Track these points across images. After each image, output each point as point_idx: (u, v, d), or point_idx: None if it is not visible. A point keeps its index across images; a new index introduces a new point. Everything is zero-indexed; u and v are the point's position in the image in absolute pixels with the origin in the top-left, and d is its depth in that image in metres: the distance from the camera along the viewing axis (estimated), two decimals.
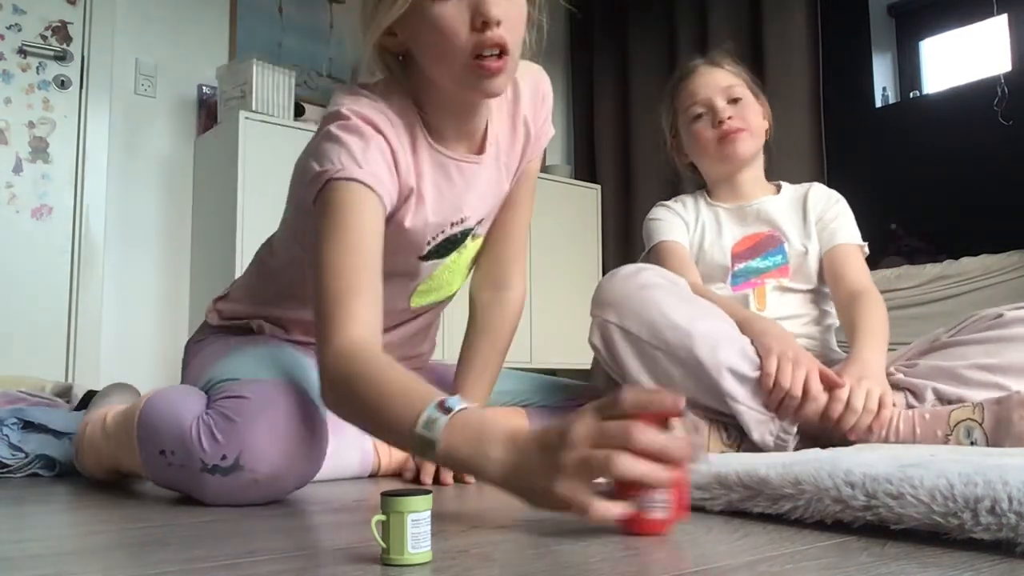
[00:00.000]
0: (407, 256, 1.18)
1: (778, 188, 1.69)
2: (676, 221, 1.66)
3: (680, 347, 1.28)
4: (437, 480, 1.18)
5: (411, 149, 1.12)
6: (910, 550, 0.66)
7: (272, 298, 1.29)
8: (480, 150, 1.20)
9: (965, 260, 2.58)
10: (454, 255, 1.24)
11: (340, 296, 0.97)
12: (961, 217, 2.89)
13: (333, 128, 1.05)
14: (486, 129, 1.20)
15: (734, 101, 1.60)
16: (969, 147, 2.91)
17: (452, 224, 1.19)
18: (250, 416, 0.96)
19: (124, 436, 1.09)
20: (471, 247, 1.28)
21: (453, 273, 1.30)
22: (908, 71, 3.39)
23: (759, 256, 1.59)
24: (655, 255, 1.64)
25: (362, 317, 0.97)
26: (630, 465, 0.69)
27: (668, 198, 1.77)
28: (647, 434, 0.70)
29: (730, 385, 1.27)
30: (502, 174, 1.25)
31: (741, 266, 1.59)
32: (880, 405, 1.25)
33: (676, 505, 0.72)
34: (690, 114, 1.63)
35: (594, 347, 1.38)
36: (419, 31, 1.04)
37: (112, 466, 1.18)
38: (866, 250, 1.61)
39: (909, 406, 1.30)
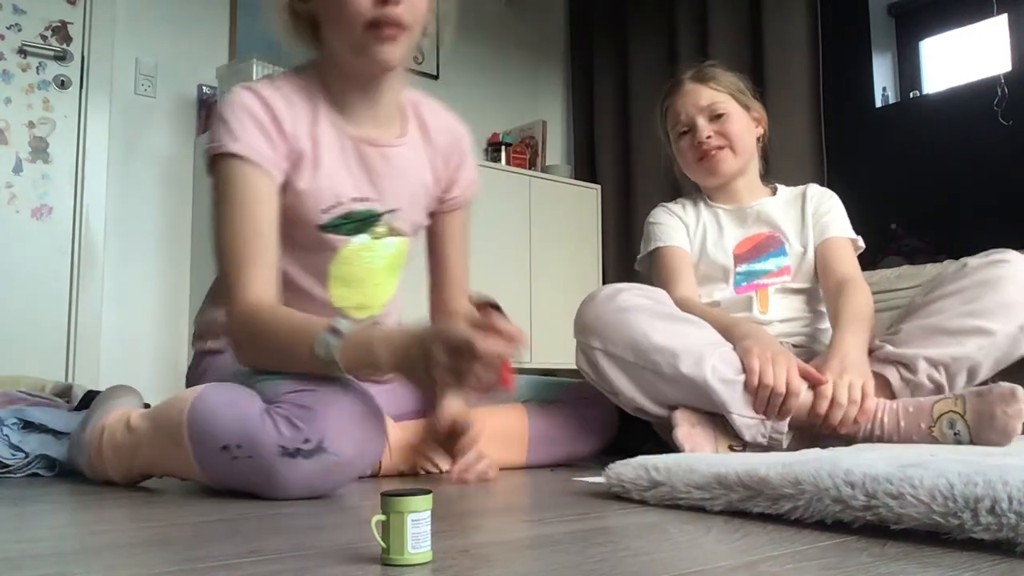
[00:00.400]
0: (306, 224, 1.22)
1: (774, 191, 1.71)
2: (677, 224, 1.67)
3: (666, 365, 1.30)
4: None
5: (309, 119, 1.21)
6: (910, 550, 0.66)
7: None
8: (396, 137, 1.29)
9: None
10: (365, 237, 1.27)
11: (234, 267, 1.12)
12: (961, 217, 2.88)
13: (219, 106, 1.18)
14: (403, 124, 1.31)
15: (717, 117, 1.63)
16: (969, 147, 2.91)
17: (353, 200, 1.24)
18: (326, 404, 1.02)
19: (167, 440, 1.07)
20: (390, 243, 1.30)
21: (370, 270, 1.30)
22: (908, 71, 3.39)
23: (761, 257, 1.61)
24: (656, 260, 1.65)
25: (258, 281, 1.12)
26: (480, 375, 0.94)
27: (669, 197, 1.79)
28: (492, 360, 0.94)
29: (720, 393, 1.28)
30: (417, 181, 1.32)
31: (743, 267, 1.61)
32: (863, 395, 1.27)
33: (505, 374, 0.97)
34: (676, 131, 1.68)
35: (581, 370, 1.39)
36: (326, 1, 1.17)
37: (144, 471, 1.16)
38: (860, 244, 1.63)
39: (903, 379, 1.32)
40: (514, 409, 1.43)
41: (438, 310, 1.45)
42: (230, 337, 1.16)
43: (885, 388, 1.35)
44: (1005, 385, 1.23)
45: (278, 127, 1.17)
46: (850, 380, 1.28)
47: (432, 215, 1.40)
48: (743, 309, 1.57)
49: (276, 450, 0.98)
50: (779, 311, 1.57)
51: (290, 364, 1.08)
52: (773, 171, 1.78)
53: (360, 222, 1.25)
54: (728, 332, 1.38)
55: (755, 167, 1.71)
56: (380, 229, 1.28)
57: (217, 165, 1.15)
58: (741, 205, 1.66)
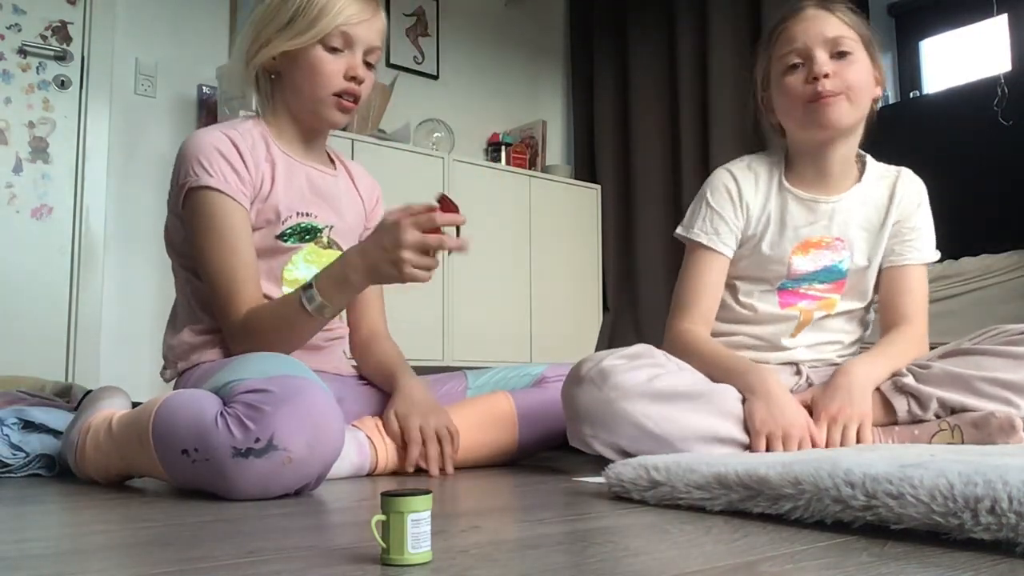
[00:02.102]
0: (264, 234, 1.38)
1: (862, 167, 1.49)
2: (734, 215, 1.47)
3: (662, 452, 1.19)
4: (420, 470, 1.30)
5: (264, 149, 1.39)
6: (910, 550, 0.66)
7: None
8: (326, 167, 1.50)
9: (965, 260, 2.58)
10: (310, 246, 1.44)
11: (225, 289, 1.30)
12: (961, 217, 2.88)
13: (185, 146, 1.34)
14: (333, 165, 1.51)
15: (840, 55, 1.37)
16: (969, 147, 2.91)
17: (298, 214, 1.41)
18: (277, 404, 1.02)
19: (137, 442, 1.10)
20: (333, 254, 1.44)
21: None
22: (908, 71, 3.39)
23: (819, 267, 1.46)
24: (690, 258, 1.49)
25: (247, 298, 1.30)
26: (438, 246, 1.20)
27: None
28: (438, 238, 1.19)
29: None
30: (351, 207, 1.50)
31: (795, 274, 1.46)
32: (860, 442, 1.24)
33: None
34: (784, 63, 1.40)
35: (575, 445, 1.30)
36: (300, 64, 1.36)
37: (122, 472, 1.18)
38: (937, 254, 1.50)
39: (910, 411, 1.29)
40: (499, 394, 1.47)
41: (359, 327, 1.55)
42: (235, 345, 1.31)
43: (891, 414, 1.30)
44: (1003, 416, 1.20)
45: (242, 160, 1.33)
46: (845, 426, 1.23)
47: None
48: (775, 327, 1.46)
49: (228, 451, 1.00)
50: (809, 338, 1.45)
51: (296, 335, 1.30)
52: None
53: (305, 232, 1.42)
54: (734, 380, 1.29)
55: (859, 136, 1.46)
56: (324, 240, 1.45)
57: (194, 198, 1.31)
58: (819, 197, 1.45)
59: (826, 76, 1.35)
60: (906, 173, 1.51)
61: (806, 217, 1.46)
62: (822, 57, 1.36)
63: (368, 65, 1.41)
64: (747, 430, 1.25)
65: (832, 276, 1.46)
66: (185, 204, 1.33)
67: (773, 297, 1.47)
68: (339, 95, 1.37)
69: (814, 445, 1.23)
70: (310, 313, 1.24)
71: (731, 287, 1.50)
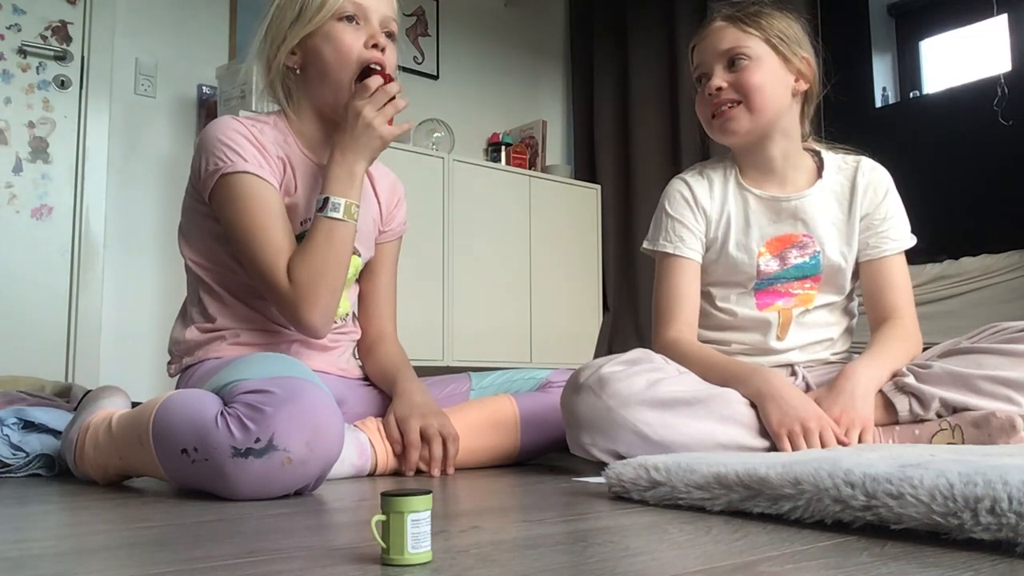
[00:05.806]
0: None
1: (819, 163, 1.50)
2: (694, 221, 1.49)
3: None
4: (420, 471, 1.31)
5: (284, 147, 1.38)
6: (910, 550, 0.66)
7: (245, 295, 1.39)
8: None
9: (965, 260, 2.58)
10: None
11: (270, 260, 1.28)
12: (961, 217, 2.88)
13: (208, 133, 1.32)
14: None
15: (735, 64, 1.42)
16: (969, 147, 2.91)
17: (310, 219, 1.37)
18: (278, 405, 1.02)
19: (136, 442, 1.10)
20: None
21: None
22: (908, 71, 3.39)
23: (789, 264, 1.46)
24: (661, 269, 1.50)
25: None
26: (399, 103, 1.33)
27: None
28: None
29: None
30: (367, 212, 1.45)
31: (767, 273, 1.46)
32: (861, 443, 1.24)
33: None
34: (695, 78, 1.50)
35: (577, 454, 1.30)
36: (320, 46, 1.35)
37: (121, 471, 1.18)
38: (913, 239, 1.48)
39: (911, 411, 1.29)
40: (503, 397, 1.47)
41: (368, 328, 1.54)
42: (294, 311, 1.29)
43: (892, 413, 1.30)
44: (1004, 415, 1.20)
45: (266, 151, 1.33)
46: (848, 428, 1.24)
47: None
48: (759, 331, 1.46)
49: (228, 451, 1.00)
50: (798, 338, 1.45)
51: (339, 252, 1.30)
52: None
53: None
54: (737, 386, 1.29)
55: (791, 129, 1.47)
56: None
57: (229, 183, 1.30)
58: (777, 195, 1.46)
59: (719, 89, 1.42)
60: (865, 163, 1.51)
61: (770, 216, 1.47)
62: (717, 72, 1.43)
63: (389, 36, 1.38)
64: (761, 434, 1.25)
65: (806, 272, 1.46)
66: (216, 191, 1.31)
67: (750, 299, 1.47)
68: (362, 75, 1.33)
69: (833, 432, 1.23)
70: (343, 220, 1.29)
71: (707, 294, 1.51)
